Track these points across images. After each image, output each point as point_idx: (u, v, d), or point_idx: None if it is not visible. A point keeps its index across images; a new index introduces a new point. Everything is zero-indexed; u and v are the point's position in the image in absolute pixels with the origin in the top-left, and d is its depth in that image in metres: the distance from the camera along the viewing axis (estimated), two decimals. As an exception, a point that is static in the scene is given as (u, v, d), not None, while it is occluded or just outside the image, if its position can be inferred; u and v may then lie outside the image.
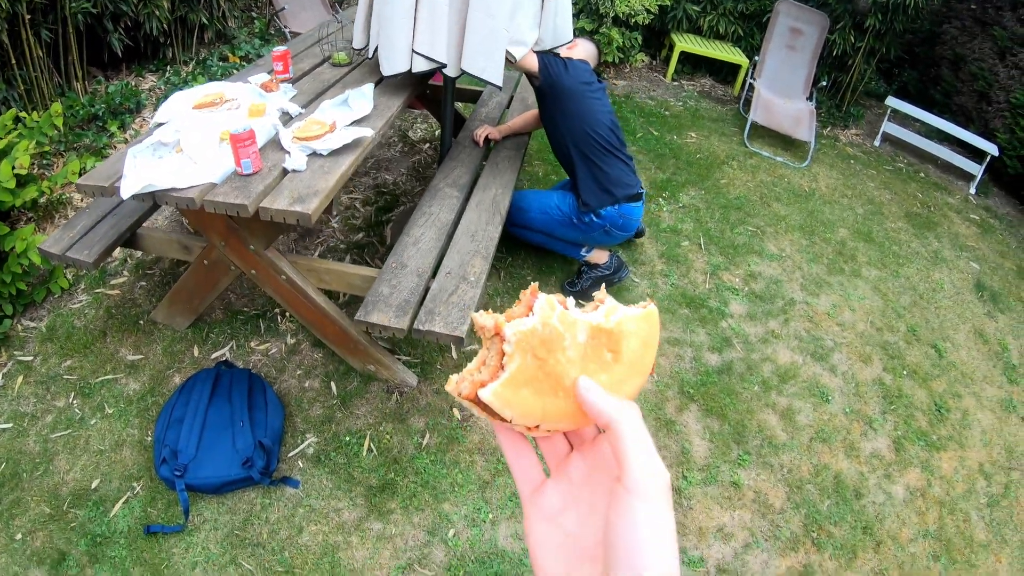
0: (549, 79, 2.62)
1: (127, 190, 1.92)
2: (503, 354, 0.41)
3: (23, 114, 3.11)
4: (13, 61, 3.35)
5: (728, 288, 3.33)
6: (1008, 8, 5.20)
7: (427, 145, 4.16)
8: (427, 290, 2.16)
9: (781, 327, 3.15)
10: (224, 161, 2.03)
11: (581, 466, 0.47)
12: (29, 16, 3.32)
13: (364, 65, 2.86)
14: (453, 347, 2.75)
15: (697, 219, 3.79)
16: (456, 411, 2.52)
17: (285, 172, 2.07)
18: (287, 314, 2.82)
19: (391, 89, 2.64)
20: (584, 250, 3.02)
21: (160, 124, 2.26)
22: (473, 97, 3.68)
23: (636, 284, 3.24)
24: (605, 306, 0.43)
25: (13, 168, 2.61)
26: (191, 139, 2.07)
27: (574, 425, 0.44)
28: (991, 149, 4.83)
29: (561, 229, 2.91)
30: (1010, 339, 3.51)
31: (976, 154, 4.96)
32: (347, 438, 2.38)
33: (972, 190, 4.98)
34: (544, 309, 0.41)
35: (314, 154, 2.15)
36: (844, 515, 2.45)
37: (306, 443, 2.36)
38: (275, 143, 2.20)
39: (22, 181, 2.71)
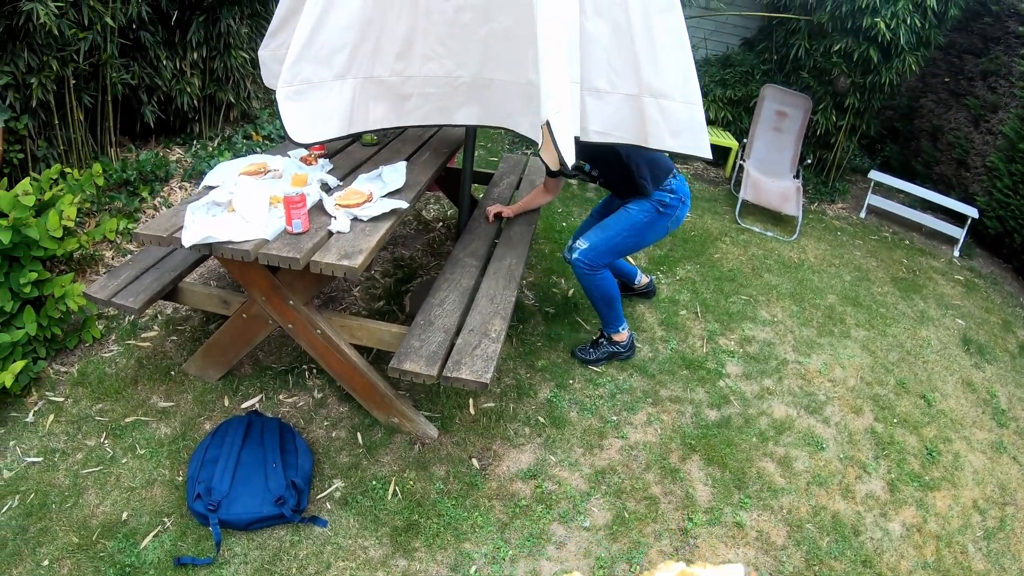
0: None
1: (188, 240, 2.17)
2: None
3: (67, 170, 3.34)
4: (56, 122, 3.56)
5: (724, 351, 3.54)
6: (979, 78, 5.59)
7: (440, 224, 4.44)
8: (452, 344, 2.39)
9: (775, 384, 3.36)
10: (274, 221, 2.29)
11: None
12: (74, 81, 3.56)
13: (390, 146, 3.19)
14: (471, 402, 2.96)
15: (694, 290, 4.03)
16: (475, 461, 2.71)
17: (330, 234, 2.34)
18: (314, 370, 3.02)
19: (419, 167, 2.95)
20: (623, 326, 3.24)
21: (210, 187, 2.52)
22: (485, 179, 3.96)
23: (639, 349, 3.46)
24: None
25: (61, 219, 2.82)
26: (243, 200, 2.32)
27: None
28: (971, 212, 5.13)
29: (651, 232, 3.06)
30: (998, 387, 3.69)
31: (958, 218, 5.26)
32: (373, 483, 2.54)
33: (956, 253, 5.25)
34: None
35: (355, 219, 2.42)
36: (844, 551, 2.59)
37: (333, 487, 2.51)
38: (318, 208, 2.46)
39: (64, 234, 2.91)
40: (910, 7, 4.94)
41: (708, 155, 2.60)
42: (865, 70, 5.27)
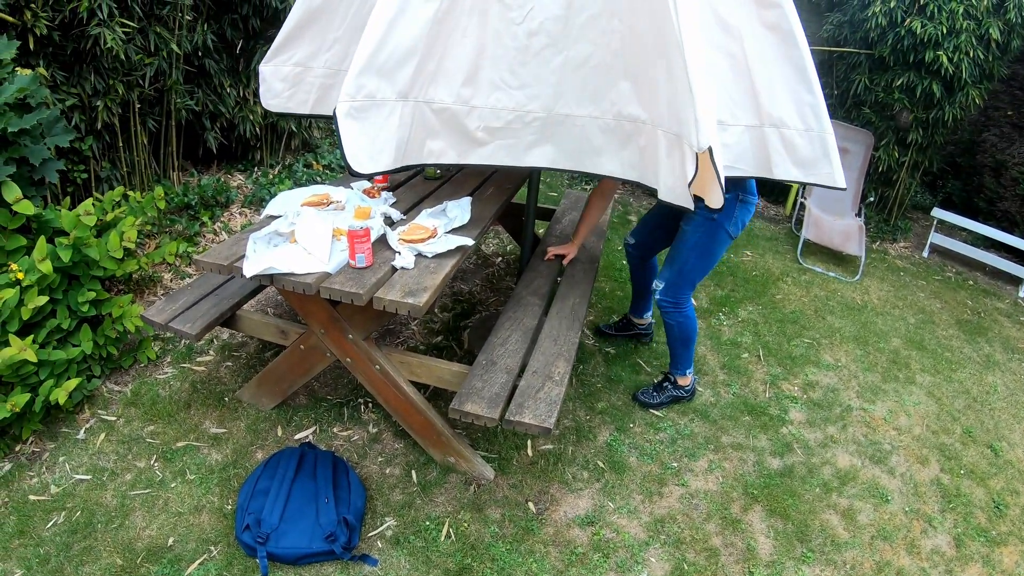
0: None
1: (250, 270, 2.15)
2: None
3: (130, 192, 3.40)
4: (120, 144, 3.65)
5: (787, 396, 3.46)
6: (1044, 110, 5.44)
7: (499, 259, 4.43)
8: (515, 386, 2.34)
9: (839, 432, 3.26)
10: (337, 254, 2.27)
11: None
12: (139, 105, 3.65)
13: (453, 180, 3.17)
14: (529, 443, 2.91)
15: (756, 332, 3.97)
16: (531, 504, 2.65)
17: (394, 269, 2.31)
18: (370, 404, 3.00)
19: (483, 202, 2.92)
20: (690, 370, 3.18)
21: (272, 216, 2.51)
22: (546, 215, 3.90)
23: (700, 393, 3.39)
24: None
25: (121, 240, 2.87)
26: (305, 232, 2.31)
27: None
28: (1036, 251, 4.97)
29: (716, 245, 2.89)
30: (1068, 436, 3.55)
31: (1022, 257, 5.08)
32: (426, 523, 2.49)
33: (1021, 293, 5.09)
34: None
35: (420, 255, 2.39)
36: (909, 610, 2.49)
37: (385, 525, 2.47)
38: (382, 243, 2.44)
39: (124, 255, 2.96)
40: (972, 40, 4.84)
41: (840, 184, 2.44)
42: (928, 105, 5.16)
